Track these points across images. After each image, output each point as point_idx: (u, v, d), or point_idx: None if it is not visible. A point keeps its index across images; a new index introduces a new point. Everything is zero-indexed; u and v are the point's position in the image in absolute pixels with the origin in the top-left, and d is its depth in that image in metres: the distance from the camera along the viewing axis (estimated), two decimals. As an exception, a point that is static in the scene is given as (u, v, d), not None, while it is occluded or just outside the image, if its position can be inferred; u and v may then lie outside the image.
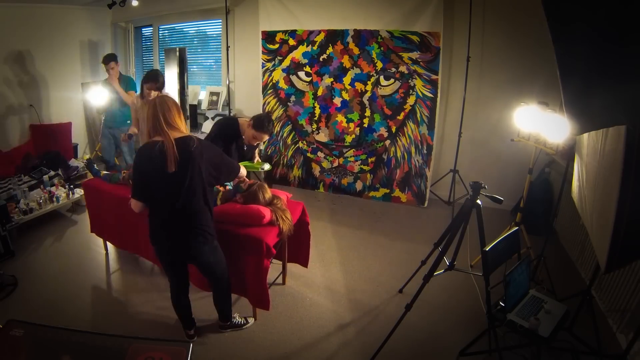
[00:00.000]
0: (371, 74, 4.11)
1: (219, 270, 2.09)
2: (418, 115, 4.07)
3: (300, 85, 4.41)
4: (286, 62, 4.40)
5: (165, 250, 1.98)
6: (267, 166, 2.83)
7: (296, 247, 2.75)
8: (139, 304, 2.58)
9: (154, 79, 3.14)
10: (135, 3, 4.96)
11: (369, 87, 4.15)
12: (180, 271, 2.09)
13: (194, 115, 5.22)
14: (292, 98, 4.48)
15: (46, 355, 1.03)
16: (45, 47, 4.72)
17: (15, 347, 1.03)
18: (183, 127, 1.85)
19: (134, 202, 1.87)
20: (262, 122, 2.58)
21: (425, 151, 4.12)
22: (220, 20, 5.07)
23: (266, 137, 2.70)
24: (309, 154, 4.60)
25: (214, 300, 2.26)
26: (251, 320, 2.42)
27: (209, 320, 2.41)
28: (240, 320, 2.37)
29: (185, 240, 1.90)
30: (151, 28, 5.80)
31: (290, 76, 4.42)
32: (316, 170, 4.60)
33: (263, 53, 4.48)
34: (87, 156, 4.99)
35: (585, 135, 1.92)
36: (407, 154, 4.21)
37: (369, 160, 4.36)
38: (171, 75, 4.61)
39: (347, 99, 4.26)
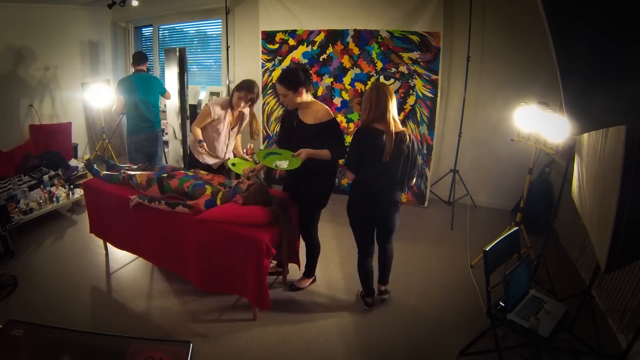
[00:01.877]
0: (371, 74, 4.11)
1: (393, 232, 2.47)
2: (418, 115, 4.07)
3: (300, 85, 4.40)
4: (286, 62, 4.40)
5: (367, 216, 2.36)
6: (284, 164, 2.25)
7: (296, 248, 2.75)
8: (139, 304, 2.58)
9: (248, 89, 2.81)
10: (135, 3, 4.95)
11: (369, 87, 4.15)
12: (371, 236, 2.46)
13: (194, 115, 5.21)
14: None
15: (46, 355, 1.03)
16: (45, 47, 4.71)
17: (15, 347, 1.03)
18: (397, 119, 2.21)
19: (349, 173, 2.29)
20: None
21: (425, 151, 4.12)
22: (220, 20, 5.07)
23: (279, 88, 2.29)
24: (309, 154, 4.58)
25: (379, 264, 2.60)
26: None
27: (209, 320, 2.41)
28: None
29: (385, 209, 2.31)
30: (151, 28, 5.80)
31: (290, 76, 4.42)
32: (316, 170, 4.59)
33: (263, 53, 4.48)
34: (87, 156, 4.99)
35: (585, 135, 1.92)
36: (407, 154, 4.21)
37: (369, 160, 4.36)
38: (171, 75, 4.61)
39: (347, 99, 4.26)
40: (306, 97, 2.32)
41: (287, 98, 2.29)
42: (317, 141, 2.30)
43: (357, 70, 4.14)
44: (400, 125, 2.21)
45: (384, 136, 2.13)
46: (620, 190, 1.38)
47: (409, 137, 2.21)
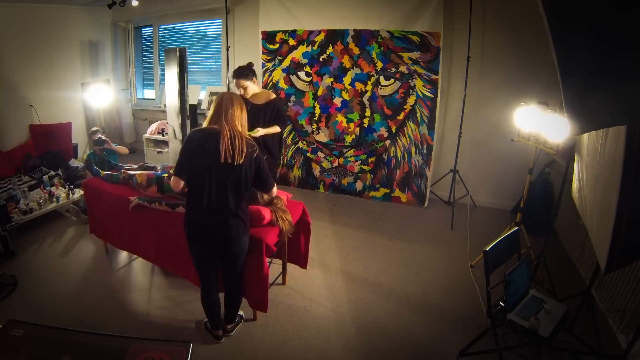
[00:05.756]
0: (371, 74, 4.11)
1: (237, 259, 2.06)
2: (418, 115, 4.07)
3: (300, 85, 4.41)
4: (286, 62, 4.40)
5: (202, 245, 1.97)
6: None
7: (296, 248, 2.75)
8: (139, 304, 2.58)
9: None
10: (135, 3, 4.96)
11: (369, 87, 4.15)
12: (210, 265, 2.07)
13: (194, 115, 5.22)
14: (292, 98, 4.48)
15: (46, 355, 1.03)
16: (45, 47, 4.71)
17: (15, 347, 1.03)
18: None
19: (174, 179, 1.87)
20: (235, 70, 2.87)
21: (425, 151, 4.12)
22: (220, 20, 5.08)
23: (242, 82, 2.82)
24: (309, 154, 4.59)
25: (227, 301, 2.23)
26: (242, 313, 2.40)
27: (209, 320, 2.41)
28: (238, 317, 2.37)
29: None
30: (151, 28, 5.80)
31: (290, 76, 4.42)
32: (316, 170, 4.60)
33: (263, 53, 4.48)
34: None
35: (586, 135, 1.92)
36: (407, 154, 4.21)
37: (369, 160, 4.36)
38: (171, 75, 4.61)
39: (347, 99, 4.26)
40: (256, 85, 2.96)
41: (249, 88, 2.87)
42: (269, 117, 2.91)
43: (357, 70, 4.14)
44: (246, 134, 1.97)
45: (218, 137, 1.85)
46: (620, 190, 1.38)
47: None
